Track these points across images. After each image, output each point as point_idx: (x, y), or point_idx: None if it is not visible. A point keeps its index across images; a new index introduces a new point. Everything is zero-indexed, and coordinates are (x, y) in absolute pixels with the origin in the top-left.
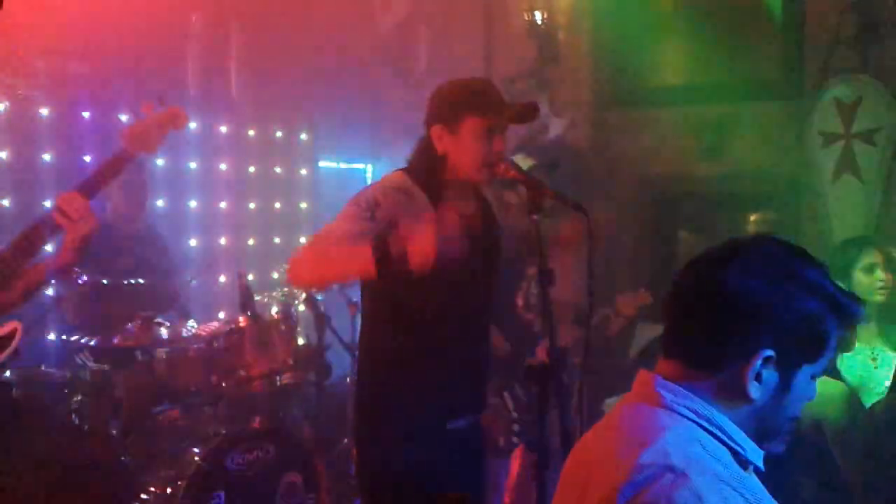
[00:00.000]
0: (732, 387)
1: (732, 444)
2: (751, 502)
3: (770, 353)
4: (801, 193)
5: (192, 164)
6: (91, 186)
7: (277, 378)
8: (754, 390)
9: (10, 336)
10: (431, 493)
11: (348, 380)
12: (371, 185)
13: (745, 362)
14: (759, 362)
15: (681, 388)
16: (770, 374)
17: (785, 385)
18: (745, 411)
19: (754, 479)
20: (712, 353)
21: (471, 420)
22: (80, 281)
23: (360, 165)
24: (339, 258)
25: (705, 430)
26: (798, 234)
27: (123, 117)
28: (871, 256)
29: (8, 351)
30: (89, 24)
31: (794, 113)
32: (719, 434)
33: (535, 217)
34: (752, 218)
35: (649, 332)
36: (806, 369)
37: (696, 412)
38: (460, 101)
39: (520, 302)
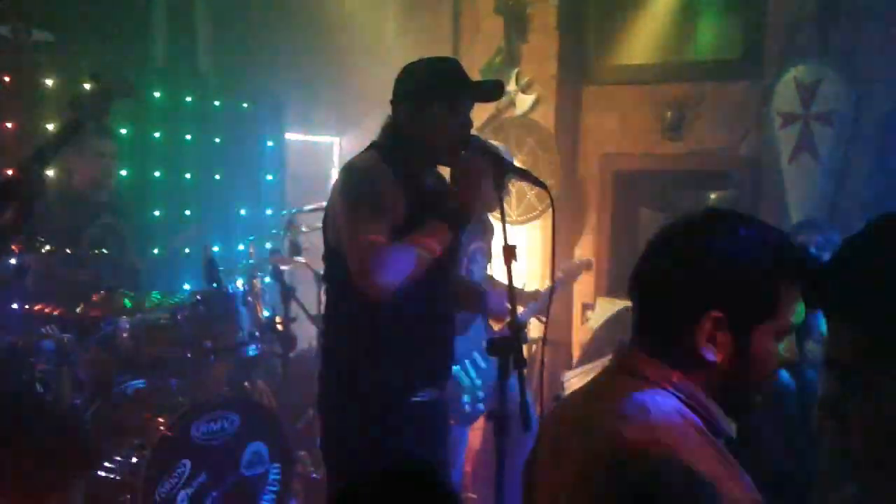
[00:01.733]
0: (692, 352)
1: (706, 415)
2: (732, 472)
3: (718, 313)
4: (760, 173)
5: (157, 134)
6: (42, 155)
7: (243, 349)
8: (709, 353)
9: None
10: (397, 465)
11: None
12: (356, 176)
13: (696, 326)
14: (707, 324)
15: (657, 361)
16: (724, 336)
17: (743, 346)
18: (710, 377)
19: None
20: (666, 321)
21: (437, 393)
22: (43, 250)
23: (328, 138)
24: (415, 249)
25: (682, 401)
26: (757, 214)
27: (87, 85)
28: (805, 235)
29: None
30: None
31: (755, 93)
32: (695, 405)
33: (501, 194)
34: (713, 196)
35: (609, 307)
36: (764, 328)
37: (672, 384)
38: (426, 82)
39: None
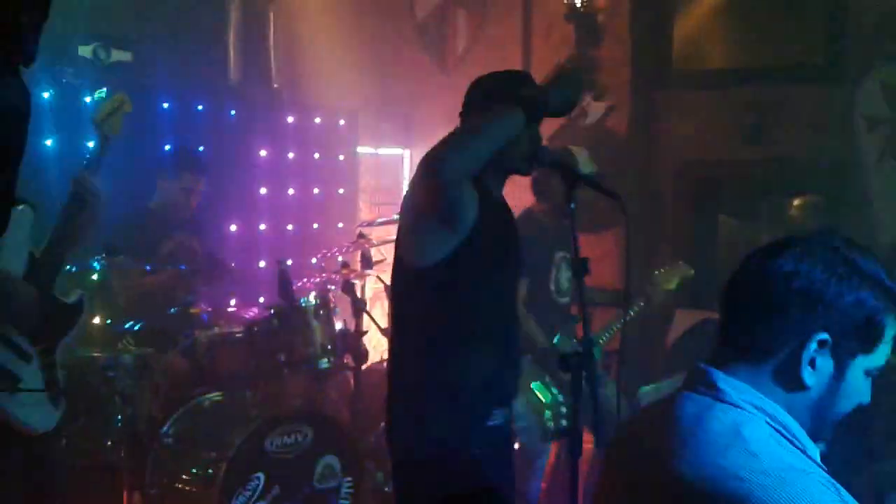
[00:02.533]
0: (787, 373)
1: (793, 439)
2: (838, 489)
3: (825, 336)
4: (845, 178)
5: (232, 150)
6: (90, 167)
7: (315, 362)
8: (808, 376)
9: (79, 304)
10: (467, 489)
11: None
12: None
13: (799, 346)
14: (813, 346)
15: (742, 383)
16: (825, 361)
17: (839, 374)
18: (800, 402)
19: None
20: (768, 338)
21: (507, 414)
22: (124, 267)
23: (398, 151)
24: (490, 126)
25: (769, 425)
26: (842, 219)
27: (165, 104)
28: None
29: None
30: (129, 11)
31: (839, 97)
32: (782, 430)
33: (571, 206)
34: (795, 203)
35: (687, 319)
36: (860, 361)
37: (759, 408)
38: (496, 95)
39: (552, 287)
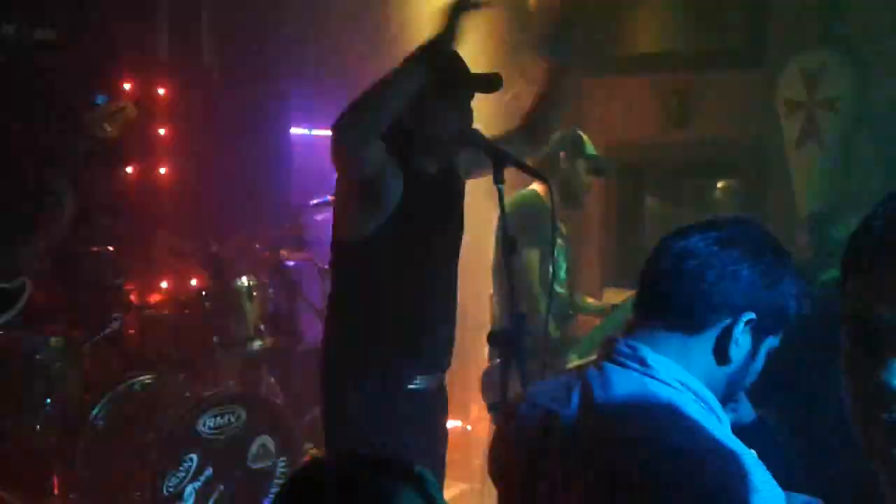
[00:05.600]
0: (718, 347)
1: (718, 416)
2: (764, 468)
3: (752, 315)
4: (766, 161)
5: (162, 130)
6: None
7: (248, 344)
8: (735, 352)
9: (20, 290)
10: (396, 453)
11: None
12: None
13: (731, 323)
14: (742, 323)
15: (669, 360)
16: (745, 339)
17: (754, 352)
18: (720, 374)
19: None
20: (703, 315)
21: (437, 379)
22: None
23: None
24: (388, 81)
25: (696, 402)
26: (763, 202)
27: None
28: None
29: (18, 305)
30: None
31: (759, 81)
32: (706, 407)
33: (499, 186)
34: (719, 185)
35: (614, 298)
36: (769, 341)
37: (685, 385)
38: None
39: (550, 277)
